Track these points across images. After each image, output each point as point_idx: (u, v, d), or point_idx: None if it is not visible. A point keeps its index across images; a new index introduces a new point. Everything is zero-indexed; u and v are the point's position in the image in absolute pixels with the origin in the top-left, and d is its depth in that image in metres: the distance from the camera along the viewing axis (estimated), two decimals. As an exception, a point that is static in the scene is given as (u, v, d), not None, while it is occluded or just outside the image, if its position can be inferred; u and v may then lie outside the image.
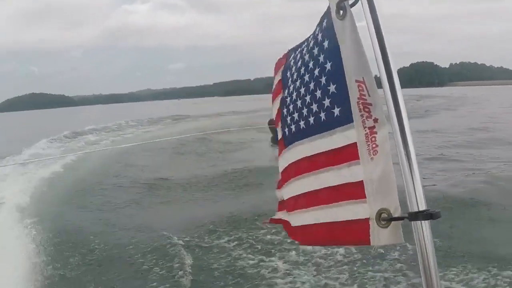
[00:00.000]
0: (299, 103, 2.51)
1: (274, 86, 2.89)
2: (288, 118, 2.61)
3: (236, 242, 10.14)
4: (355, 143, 2.12)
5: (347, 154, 2.16)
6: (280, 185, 2.96)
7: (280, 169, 2.88)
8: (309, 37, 2.49)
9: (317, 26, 2.41)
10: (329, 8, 2.22)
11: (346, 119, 2.16)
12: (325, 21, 2.31)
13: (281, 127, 2.77)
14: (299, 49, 2.61)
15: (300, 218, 2.61)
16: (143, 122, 52.46)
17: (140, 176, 18.57)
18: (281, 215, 2.99)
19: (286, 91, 2.66)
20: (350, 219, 2.17)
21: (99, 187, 17.00)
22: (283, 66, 2.79)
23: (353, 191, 2.14)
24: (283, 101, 2.70)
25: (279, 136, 2.81)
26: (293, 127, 2.57)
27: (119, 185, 17.46)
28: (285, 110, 2.65)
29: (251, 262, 9.14)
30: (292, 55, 2.68)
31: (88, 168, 19.03)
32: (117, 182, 17.82)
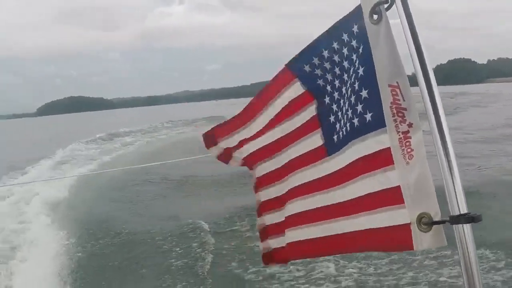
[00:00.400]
0: (346, 106, 2.48)
1: (289, 101, 2.78)
2: (338, 125, 2.55)
3: (247, 227, 11.46)
4: (389, 148, 2.14)
5: (381, 159, 2.18)
6: (293, 196, 2.90)
7: (312, 179, 2.75)
8: (333, 40, 2.49)
9: (342, 28, 2.42)
10: (360, 11, 2.24)
11: (378, 124, 2.18)
12: (356, 25, 2.32)
13: (323, 134, 2.65)
14: (319, 54, 2.58)
15: (333, 228, 2.58)
16: (177, 124, 54.04)
17: (169, 173, 19.98)
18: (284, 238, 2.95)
19: (327, 98, 2.61)
20: (390, 225, 2.18)
21: (131, 183, 18.48)
22: (295, 79, 2.73)
23: (391, 197, 2.15)
24: (325, 109, 2.63)
25: (318, 143, 2.68)
26: (340, 134, 2.52)
27: (149, 181, 18.91)
28: (332, 118, 2.59)
29: (257, 242, 10.37)
30: (307, 66, 2.65)
31: (122, 166, 20.49)
32: (148, 178, 19.26)
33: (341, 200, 2.49)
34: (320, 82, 2.61)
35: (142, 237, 11.47)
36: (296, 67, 2.70)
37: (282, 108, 2.82)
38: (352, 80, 2.35)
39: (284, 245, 2.94)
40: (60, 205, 14.96)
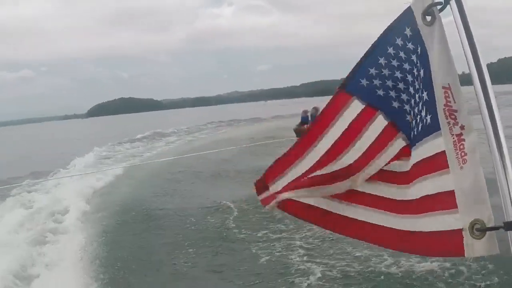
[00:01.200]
0: (407, 108, 2.51)
1: (354, 116, 2.68)
2: (413, 124, 2.52)
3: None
4: (444, 151, 2.15)
5: (437, 163, 2.19)
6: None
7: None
8: (388, 46, 2.49)
9: (394, 33, 2.44)
10: (410, 14, 2.28)
11: (434, 127, 2.19)
12: (408, 28, 2.35)
13: (403, 138, 2.60)
14: (376, 63, 2.55)
15: (386, 219, 2.57)
16: (220, 124, 55.95)
17: (202, 167, 22.02)
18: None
19: (396, 103, 2.57)
20: (442, 229, 2.18)
21: (171, 176, 20.42)
22: (352, 98, 2.65)
23: (445, 201, 2.15)
24: (396, 113, 2.57)
25: (403, 144, 2.60)
26: (414, 131, 2.49)
27: (184, 172, 20.97)
28: (408, 117, 2.56)
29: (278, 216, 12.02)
30: (364, 80, 2.59)
31: (163, 162, 22.47)
32: (182, 170, 21.29)
33: (401, 199, 2.50)
34: (381, 92, 2.58)
35: (173, 217, 13.43)
36: (351, 86, 2.63)
37: (347, 128, 2.67)
38: (416, 81, 2.38)
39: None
40: (101, 193, 17.47)
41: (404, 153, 2.55)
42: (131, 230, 12.41)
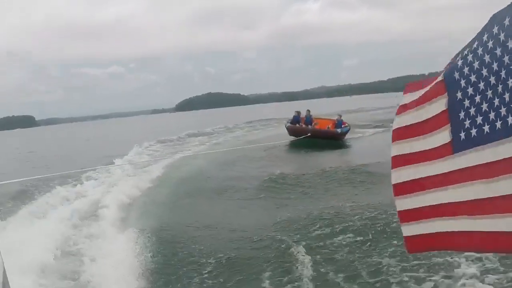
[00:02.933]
0: (484, 106, 2.48)
1: (429, 87, 2.92)
2: (467, 122, 2.57)
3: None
4: None
5: None
6: (409, 191, 3.14)
7: (434, 174, 2.88)
8: (483, 36, 2.53)
9: (492, 24, 2.47)
10: (510, 5, 2.31)
11: None
12: (508, 19, 2.35)
13: (450, 131, 2.70)
14: (468, 49, 2.63)
15: (463, 224, 2.63)
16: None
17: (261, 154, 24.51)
18: (418, 227, 3.08)
19: (460, 93, 2.63)
20: None
21: (221, 174, 20.91)
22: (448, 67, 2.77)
23: None
24: (455, 104, 2.66)
25: (446, 140, 2.74)
26: (474, 131, 2.53)
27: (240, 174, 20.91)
28: (462, 114, 2.60)
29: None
30: (460, 56, 2.69)
31: (213, 159, 23.75)
32: (237, 170, 21.81)
33: (470, 198, 2.57)
34: (456, 75, 2.65)
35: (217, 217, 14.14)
36: (455, 60, 2.75)
37: (421, 96, 2.95)
38: (505, 76, 2.38)
39: (419, 233, 3.05)
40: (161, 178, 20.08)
41: (446, 151, 2.71)
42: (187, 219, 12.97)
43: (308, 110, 32.22)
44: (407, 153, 3.09)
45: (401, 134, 3.15)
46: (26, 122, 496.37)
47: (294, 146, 28.71)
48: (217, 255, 9.97)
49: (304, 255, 9.50)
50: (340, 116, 32.60)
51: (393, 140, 3.23)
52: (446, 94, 2.71)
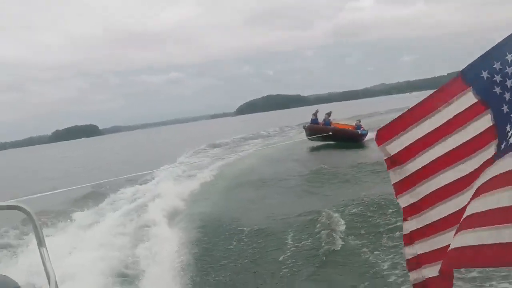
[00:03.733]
0: None
1: (459, 112, 2.74)
2: (510, 133, 2.45)
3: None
4: None
5: None
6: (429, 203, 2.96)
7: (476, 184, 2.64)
8: (499, 50, 2.51)
9: None
10: None
11: None
12: None
13: (497, 145, 2.57)
14: (499, 61, 2.54)
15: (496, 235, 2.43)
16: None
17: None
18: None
19: (505, 107, 2.53)
20: None
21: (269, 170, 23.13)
22: (469, 88, 2.69)
23: None
24: (503, 118, 2.54)
25: (492, 152, 2.58)
26: (509, 141, 2.43)
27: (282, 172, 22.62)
28: (508, 127, 2.49)
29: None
30: (485, 72, 2.60)
31: (259, 158, 26.61)
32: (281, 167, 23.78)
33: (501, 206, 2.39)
34: (498, 89, 2.54)
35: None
36: (471, 75, 2.65)
37: (452, 118, 2.74)
38: None
39: (437, 274, 2.86)
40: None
41: (488, 164, 2.55)
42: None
43: (327, 114, 32.44)
44: (434, 190, 2.93)
45: (410, 181, 3.03)
46: (91, 131, 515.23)
47: (315, 147, 30.40)
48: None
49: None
50: (359, 121, 32.66)
51: (398, 193, 3.12)
52: (489, 110, 2.59)
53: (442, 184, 2.86)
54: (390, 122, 3.08)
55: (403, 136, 2.99)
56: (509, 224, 2.29)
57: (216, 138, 48.96)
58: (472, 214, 2.53)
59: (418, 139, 2.91)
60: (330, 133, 28.70)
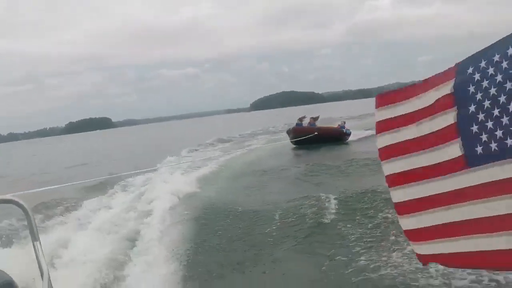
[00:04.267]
0: (505, 120, 2.47)
1: (436, 99, 2.85)
2: (484, 136, 2.54)
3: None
4: None
5: None
6: (419, 209, 3.07)
7: (448, 190, 2.81)
8: (507, 49, 2.50)
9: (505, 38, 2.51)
10: None
11: None
12: None
13: (463, 144, 2.68)
14: (485, 61, 2.60)
15: (482, 242, 2.62)
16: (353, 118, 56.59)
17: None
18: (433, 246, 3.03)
19: (473, 107, 2.60)
20: None
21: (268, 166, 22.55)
22: (453, 79, 2.75)
23: None
24: (467, 117, 2.64)
25: (457, 154, 2.72)
26: (493, 145, 2.51)
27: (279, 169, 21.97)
28: (475, 128, 2.58)
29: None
30: (474, 68, 2.65)
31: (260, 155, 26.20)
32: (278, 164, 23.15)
33: (487, 215, 2.56)
34: (472, 88, 2.60)
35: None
36: (462, 67, 2.73)
37: (425, 106, 2.88)
38: None
39: (432, 252, 3.03)
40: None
41: (459, 164, 2.69)
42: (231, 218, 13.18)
43: (313, 118, 32.06)
44: (407, 170, 3.08)
45: (393, 151, 3.17)
46: (104, 123, 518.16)
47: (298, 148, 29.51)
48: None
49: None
50: (344, 122, 32.57)
51: (383, 158, 3.26)
52: (455, 107, 2.69)
53: (402, 169, 3.11)
54: (389, 92, 3.30)
55: (393, 108, 3.14)
56: (504, 231, 2.47)
57: (228, 132, 49.72)
58: (469, 220, 2.67)
59: (403, 114, 3.04)
60: (316, 133, 28.59)
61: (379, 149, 3.29)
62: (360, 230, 10.28)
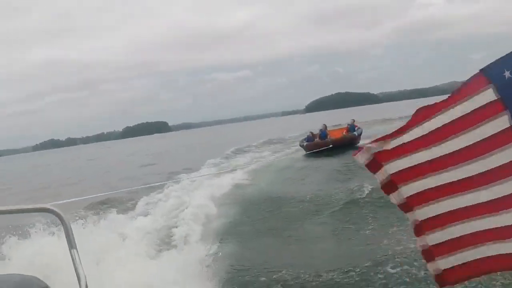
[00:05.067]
0: None
1: (477, 107, 2.75)
2: None
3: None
4: None
5: None
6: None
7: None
8: None
9: None
10: None
11: None
12: None
13: None
14: None
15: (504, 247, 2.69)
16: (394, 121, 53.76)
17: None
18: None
19: None
20: None
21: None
22: (488, 85, 2.70)
23: None
24: None
25: (509, 156, 2.67)
26: None
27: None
28: None
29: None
30: (507, 72, 2.64)
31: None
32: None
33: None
34: None
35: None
36: (493, 73, 2.66)
37: (470, 112, 2.73)
38: None
39: (454, 265, 2.99)
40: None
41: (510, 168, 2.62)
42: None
43: (324, 125, 32.59)
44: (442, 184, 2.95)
45: (426, 169, 2.99)
46: (161, 127, 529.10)
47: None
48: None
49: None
50: (353, 120, 33.14)
51: (419, 175, 3.04)
52: (507, 111, 2.63)
53: (450, 180, 2.94)
54: (424, 107, 3.03)
55: (420, 126, 2.96)
56: None
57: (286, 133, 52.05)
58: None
59: (432, 130, 2.89)
60: (331, 145, 28.39)
61: (417, 165, 3.08)
62: (387, 220, 11.66)
